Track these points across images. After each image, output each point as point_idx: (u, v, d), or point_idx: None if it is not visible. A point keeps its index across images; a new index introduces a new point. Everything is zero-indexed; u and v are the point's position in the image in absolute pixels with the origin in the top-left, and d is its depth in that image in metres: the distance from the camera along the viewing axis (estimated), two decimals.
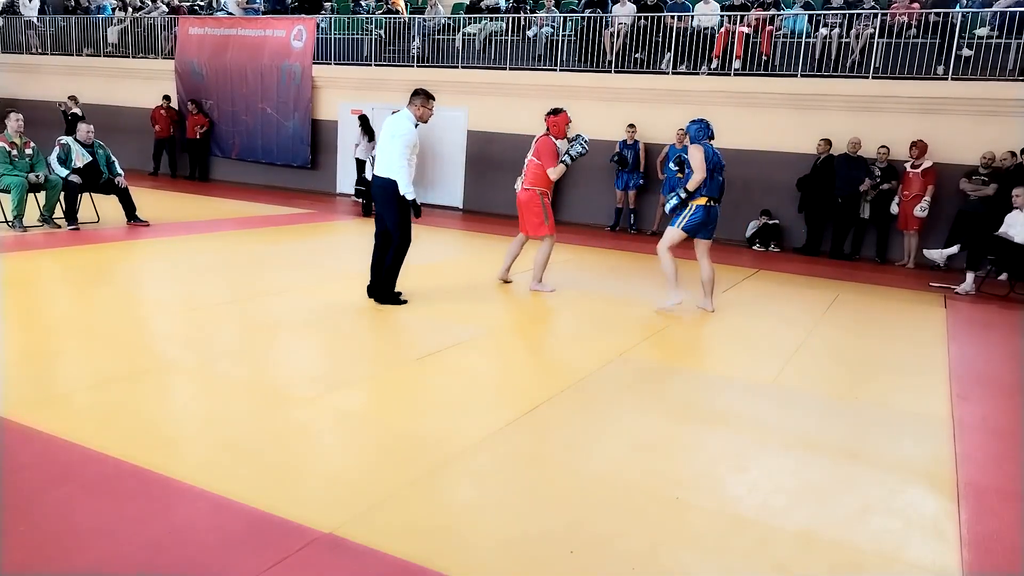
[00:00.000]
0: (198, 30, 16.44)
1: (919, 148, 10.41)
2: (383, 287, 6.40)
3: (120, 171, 9.52)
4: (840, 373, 5.56)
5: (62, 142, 9.16)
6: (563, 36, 13.21)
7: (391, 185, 6.14)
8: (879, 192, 10.73)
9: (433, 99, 6.31)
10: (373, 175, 6.37)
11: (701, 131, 6.78)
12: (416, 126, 6.22)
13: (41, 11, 18.89)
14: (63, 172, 8.95)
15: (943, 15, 10.77)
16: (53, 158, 9.02)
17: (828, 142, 11.03)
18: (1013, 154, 9.99)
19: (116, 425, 3.65)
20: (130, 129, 16.36)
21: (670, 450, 3.86)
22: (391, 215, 6.26)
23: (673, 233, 6.79)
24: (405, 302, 6.43)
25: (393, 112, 6.53)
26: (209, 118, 16.16)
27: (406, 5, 15.68)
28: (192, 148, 16.13)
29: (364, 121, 13.88)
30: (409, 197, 6.14)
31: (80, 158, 9.09)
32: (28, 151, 8.87)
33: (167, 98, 16.15)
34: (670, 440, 3.99)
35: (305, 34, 15.13)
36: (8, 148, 8.67)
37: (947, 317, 7.49)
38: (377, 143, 6.33)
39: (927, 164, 10.39)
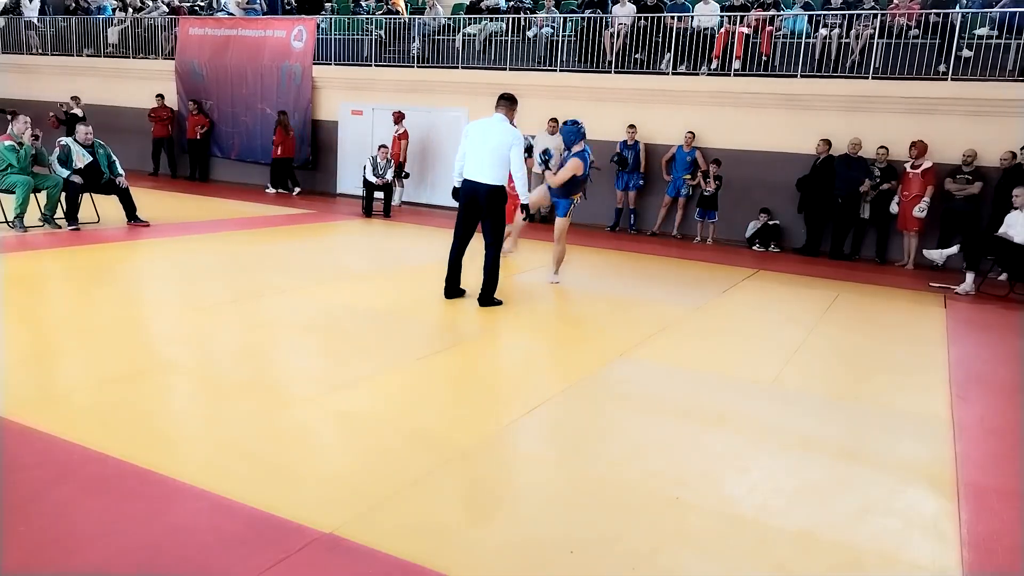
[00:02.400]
0: (198, 30, 16.44)
1: (918, 148, 10.41)
2: (487, 291, 6.59)
3: (121, 171, 9.54)
4: (840, 373, 5.56)
5: (61, 143, 9.19)
6: (563, 36, 13.20)
7: (500, 191, 6.42)
8: (879, 192, 10.73)
9: (517, 102, 6.65)
10: (474, 182, 6.40)
11: (571, 134, 7.18)
12: None
13: (41, 11, 18.89)
14: (64, 173, 8.96)
15: (943, 15, 10.78)
16: (54, 159, 9.05)
17: (828, 142, 11.03)
18: (1013, 154, 9.99)
19: (116, 425, 3.65)
20: (130, 129, 16.34)
21: (670, 450, 3.86)
22: (495, 221, 6.51)
23: (563, 223, 7.56)
24: (501, 303, 6.64)
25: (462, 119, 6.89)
26: (209, 118, 16.15)
27: (406, 5, 15.68)
28: (192, 148, 16.13)
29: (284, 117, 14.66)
30: (526, 200, 6.74)
31: (80, 159, 9.10)
32: (32, 151, 8.93)
33: (160, 97, 16.14)
34: (670, 440, 3.99)
35: (305, 34, 15.13)
36: (16, 146, 8.72)
37: (947, 317, 7.49)
38: (471, 150, 6.44)
39: (927, 164, 10.39)
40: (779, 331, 6.50)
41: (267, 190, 14.73)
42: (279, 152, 14.60)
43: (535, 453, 3.71)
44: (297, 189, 14.82)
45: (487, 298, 6.58)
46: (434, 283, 6.94)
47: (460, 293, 6.78)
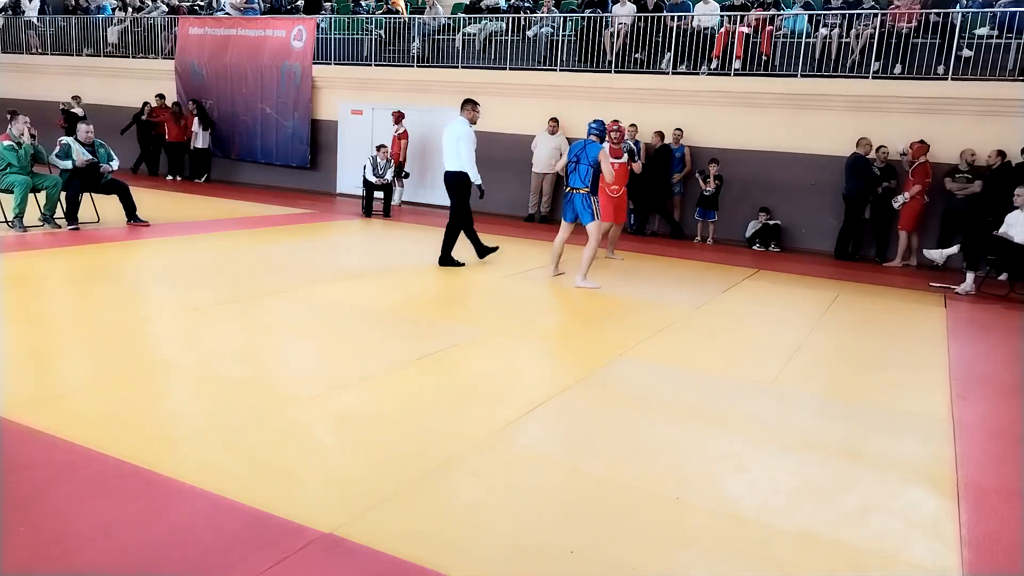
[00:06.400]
0: (198, 30, 16.43)
1: (915, 150, 10.41)
2: (443, 252, 8.25)
3: (112, 162, 9.44)
4: (840, 373, 5.56)
5: (62, 142, 9.21)
6: (563, 36, 13.20)
7: (461, 176, 8.07)
8: (882, 191, 10.71)
9: (479, 104, 8.27)
10: (446, 170, 8.19)
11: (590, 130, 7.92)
12: (471, 126, 8.14)
13: (41, 11, 18.89)
14: (67, 164, 8.97)
15: (943, 15, 10.76)
16: (54, 156, 9.07)
17: (660, 134, 11.73)
18: (1000, 153, 9.93)
19: (116, 425, 3.65)
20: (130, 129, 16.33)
21: (670, 450, 3.86)
22: (456, 199, 8.20)
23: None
24: (462, 264, 8.27)
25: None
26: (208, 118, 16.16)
27: (406, 5, 15.67)
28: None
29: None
30: (478, 182, 8.18)
31: (80, 157, 9.11)
32: (31, 150, 8.95)
33: (161, 96, 16.14)
34: (670, 440, 3.99)
35: (305, 34, 15.12)
36: (15, 146, 8.72)
37: (947, 317, 7.48)
38: (444, 146, 8.16)
39: (920, 160, 10.40)
40: (779, 331, 6.50)
41: (168, 177, 15.79)
42: (169, 138, 15.82)
43: (535, 453, 3.72)
44: (172, 177, 15.84)
45: (445, 258, 8.21)
46: (433, 283, 6.94)
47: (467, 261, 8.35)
